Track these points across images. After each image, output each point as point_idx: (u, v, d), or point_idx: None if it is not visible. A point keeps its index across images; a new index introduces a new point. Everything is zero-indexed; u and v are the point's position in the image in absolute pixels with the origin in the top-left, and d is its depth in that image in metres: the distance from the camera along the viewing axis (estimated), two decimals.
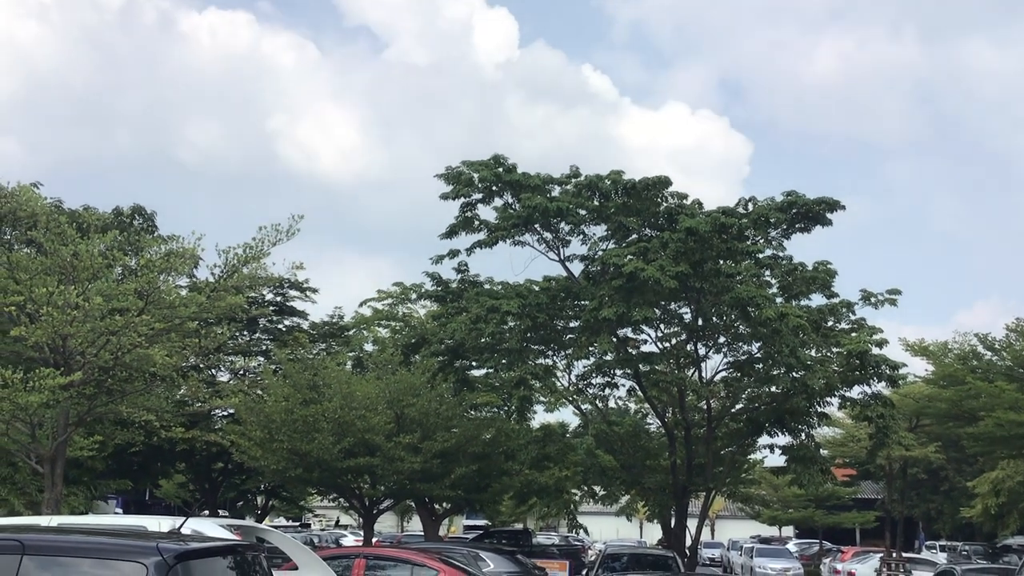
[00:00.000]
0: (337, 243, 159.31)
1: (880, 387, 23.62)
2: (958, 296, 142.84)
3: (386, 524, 63.94)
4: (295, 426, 24.09)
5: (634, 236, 23.38)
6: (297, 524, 56.24)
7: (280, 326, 33.26)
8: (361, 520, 29.45)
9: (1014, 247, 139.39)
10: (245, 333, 31.97)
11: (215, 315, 17.20)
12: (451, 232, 23.94)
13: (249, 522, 20.85)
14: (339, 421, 24.05)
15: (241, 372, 31.61)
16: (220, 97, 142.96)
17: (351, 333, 35.81)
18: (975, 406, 30.53)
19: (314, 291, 33.27)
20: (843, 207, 22.84)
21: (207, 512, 33.47)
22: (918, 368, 35.91)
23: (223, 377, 31.08)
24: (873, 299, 23.74)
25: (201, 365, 27.12)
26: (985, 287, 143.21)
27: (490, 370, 26.53)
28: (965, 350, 32.88)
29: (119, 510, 42.75)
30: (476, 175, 23.17)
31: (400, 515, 66.12)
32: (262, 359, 31.78)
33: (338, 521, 67.85)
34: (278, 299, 32.77)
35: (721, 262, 22.06)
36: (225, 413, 30.11)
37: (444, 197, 23.44)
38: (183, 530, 7.39)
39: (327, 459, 24.06)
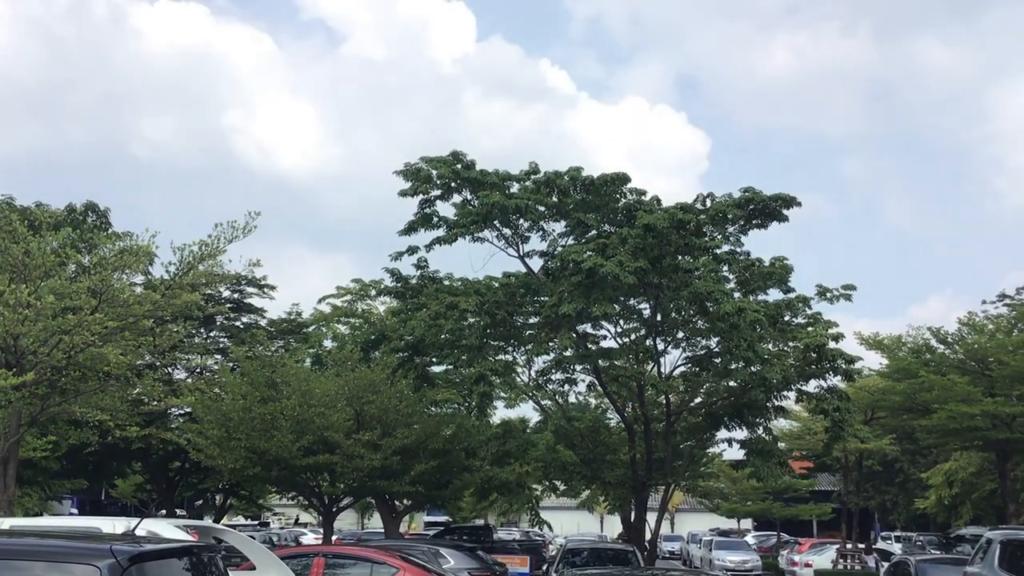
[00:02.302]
0: (295, 239, 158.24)
1: (836, 381, 23.89)
2: (912, 290, 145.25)
3: (346, 522, 63.67)
4: (253, 424, 23.93)
5: (593, 232, 23.45)
6: (256, 523, 55.79)
7: (238, 323, 33.01)
8: (320, 518, 29.31)
9: (967, 242, 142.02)
10: (202, 331, 31.69)
11: (170, 313, 17.04)
12: (410, 229, 23.87)
13: (206, 522, 20.67)
14: (298, 419, 23.93)
15: (198, 370, 31.34)
16: (174, 91, 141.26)
17: (310, 330, 35.62)
18: (928, 399, 30.98)
19: (272, 288, 33.09)
20: (799, 204, 23.06)
21: (164, 512, 33.13)
22: (873, 362, 36.37)
23: (180, 375, 30.80)
24: (828, 294, 24.01)
25: (157, 363, 26.84)
26: (939, 281, 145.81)
27: (450, 366, 26.49)
28: (918, 344, 33.36)
29: (74, 511, 42.16)
30: (435, 172, 23.12)
31: (360, 512, 65.90)
32: (219, 357, 31.54)
33: (297, 519, 67.46)
34: (235, 296, 32.53)
35: (679, 258, 22.18)
36: (182, 412, 29.83)
37: (403, 194, 23.37)
38: (138, 531, 7.30)
39: (286, 457, 23.93)
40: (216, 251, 14.68)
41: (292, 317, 35.35)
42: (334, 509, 28.07)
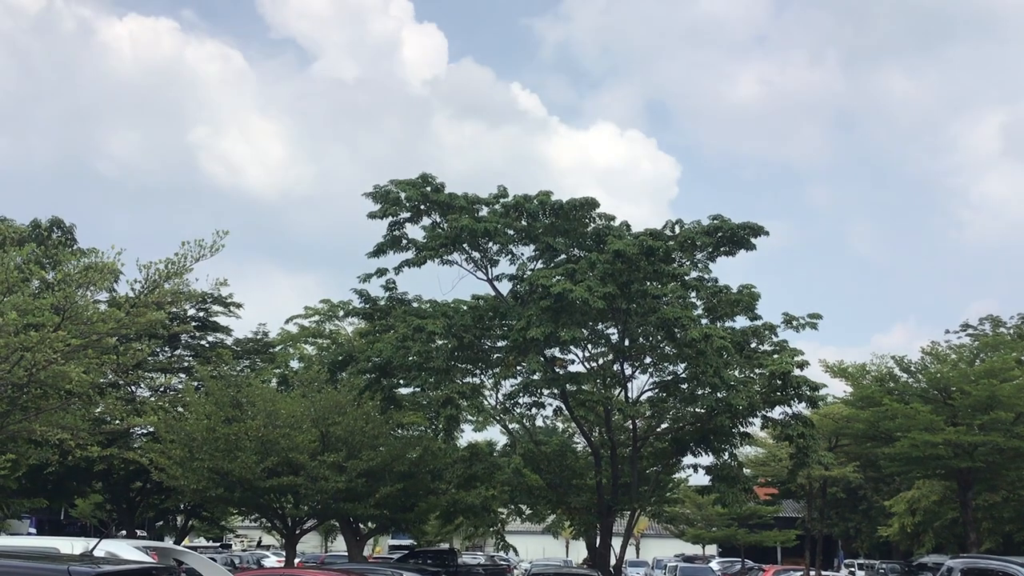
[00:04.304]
0: (263, 258, 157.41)
1: (801, 407, 24.07)
2: (876, 319, 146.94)
3: (310, 544, 63.03)
4: (217, 444, 23.69)
5: (562, 257, 23.55)
6: (218, 544, 55.09)
7: (203, 342, 32.74)
8: (283, 540, 29.00)
9: (930, 271, 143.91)
10: (166, 349, 31.40)
11: (135, 331, 16.85)
12: (379, 251, 23.86)
13: (167, 543, 20.39)
14: (262, 439, 23.72)
15: (162, 389, 31.02)
16: (141, 107, 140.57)
17: (276, 350, 35.38)
18: (891, 427, 31.29)
19: (238, 307, 32.85)
20: (767, 233, 23.30)
21: (124, 532, 32.69)
22: (837, 389, 36.81)
23: (143, 394, 30.46)
24: (795, 322, 24.23)
25: (120, 382, 26.56)
26: (903, 310, 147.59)
27: (417, 389, 26.40)
28: (882, 372, 33.74)
29: (32, 530, 41.51)
30: (403, 194, 23.16)
31: (324, 535, 65.25)
32: (184, 376, 31.23)
33: (260, 541, 66.75)
34: (201, 315, 32.27)
35: (648, 283, 22.31)
36: (144, 431, 29.46)
37: (372, 216, 23.38)
38: (96, 552, 7.21)
39: (249, 478, 23.68)
40: (182, 269, 14.56)
41: (259, 337, 35.11)
42: (297, 531, 27.80)
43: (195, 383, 28.90)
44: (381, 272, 24.29)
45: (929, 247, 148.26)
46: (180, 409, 27.31)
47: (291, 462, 24.02)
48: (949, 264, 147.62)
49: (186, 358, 32.00)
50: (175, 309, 25.47)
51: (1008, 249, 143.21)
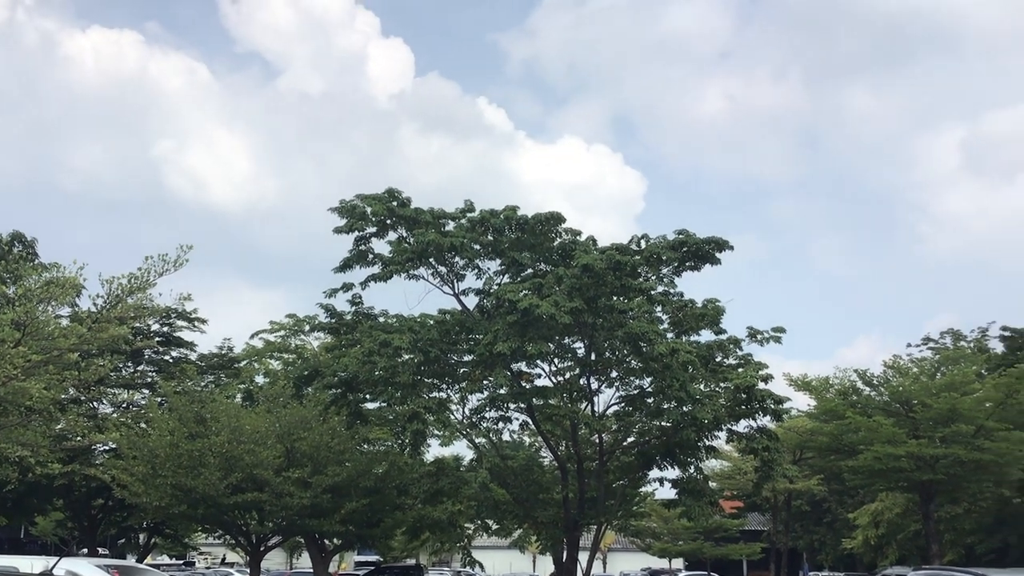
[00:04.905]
0: (228, 273, 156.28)
1: (765, 421, 24.20)
2: (840, 332, 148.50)
3: (274, 561, 62.42)
4: (180, 461, 23.49)
5: (529, 271, 23.60)
6: (181, 562, 54.44)
7: (167, 357, 32.46)
8: (248, 557, 28.74)
9: (893, 285, 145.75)
10: (129, 365, 31.09)
11: (97, 346, 16.67)
12: (345, 266, 23.78)
13: (129, 561, 20.15)
14: (226, 456, 23.56)
15: (124, 405, 30.68)
16: (104, 121, 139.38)
17: (241, 365, 35.13)
18: (854, 440, 31.57)
19: (203, 322, 32.63)
20: (731, 247, 23.47)
21: (86, 550, 32.25)
22: (801, 403, 37.06)
23: (106, 410, 30.12)
24: (759, 336, 24.39)
25: (82, 398, 26.25)
26: (866, 323, 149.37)
27: (384, 404, 26.28)
28: (845, 385, 34.06)
29: None
30: (369, 209, 23.11)
31: (289, 551, 64.68)
32: (147, 391, 30.93)
33: (224, 559, 66.01)
34: (165, 330, 32.02)
35: (615, 298, 22.39)
36: (107, 448, 29.13)
37: (338, 231, 23.30)
38: (57, 571, 7.13)
39: (213, 495, 23.49)
40: (145, 284, 14.44)
41: (223, 352, 34.86)
42: (262, 548, 27.59)
43: (158, 399, 28.65)
44: (347, 287, 24.20)
45: (892, 261, 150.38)
46: (143, 425, 27.04)
47: (255, 478, 23.85)
48: (911, 278, 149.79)
49: (149, 373, 31.71)
50: (138, 324, 25.23)
51: (968, 263, 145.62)
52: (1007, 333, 36.92)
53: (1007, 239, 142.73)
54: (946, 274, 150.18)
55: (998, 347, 37.12)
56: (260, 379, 34.32)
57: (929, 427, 30.99)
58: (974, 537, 39.55)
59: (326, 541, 29.66)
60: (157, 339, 30.91)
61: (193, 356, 33.17)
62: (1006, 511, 36.89)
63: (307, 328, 34.94)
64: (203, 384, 31.00)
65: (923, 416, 30.95)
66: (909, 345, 38.83)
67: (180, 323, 32.18)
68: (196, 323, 32.45)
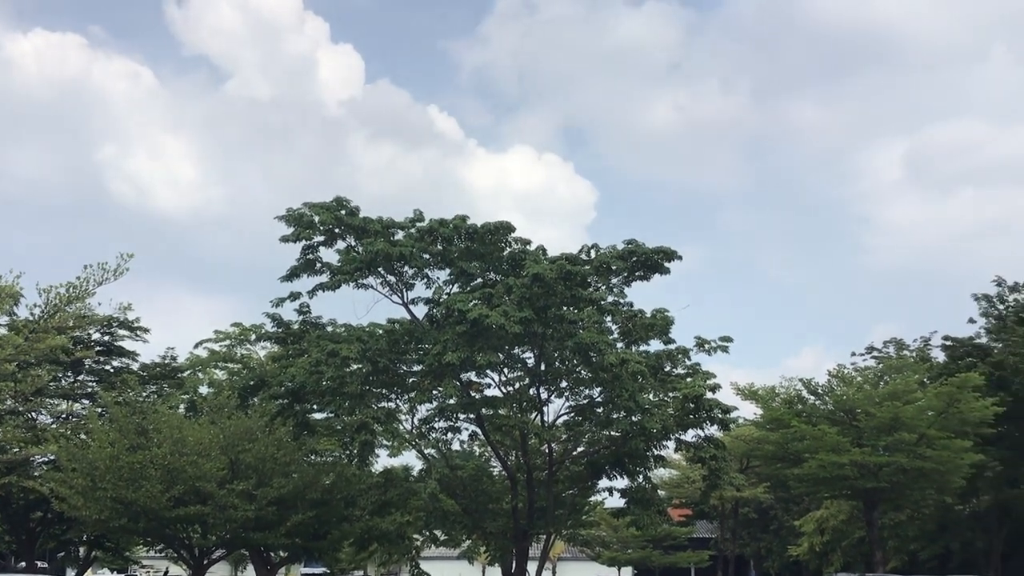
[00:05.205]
0: (173, 281, 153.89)
1: (713, 430, 24.38)
2: (787, 342, 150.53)
3: (219, 574, 61.46)
4: (121, 473, 23.02)
5: (479, 281, 23.51)
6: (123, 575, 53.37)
7: (107, 367, 31.84)
8: (190, 571, 28.21)
9: (839, 295, 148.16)
10: (69, 375, 30.40)
11: (35, 356, 16.27)
12: (292, 275, 23.48)
13: (69, 575, 19.64)
14: (168, 468, 23.14)
15: (64, 416, 30.02)
16: (46, 125, 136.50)
17: (185, 375, 34.52)
18: (800, 448, 31.92)
19: (146, 331, 32.05)
20: (680, 257, 23.62)
21: (24, 564, 31.51)
22: (748, 412, 37.38)
23: (44, 421, 29.45)
24: (707, 345, 24.54)
25: (19, 409, 25.61)
26: (812, 333, 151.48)
27: (331, 414, 26.01)
28: (791, 394, 34.46)
29: None
30: (317, 217, 22.85)
31: (233, 565, 63.64)
32: (87, 402, 30.31)
33: (166, 572, 64.81)
34: (106, 339, 31.39)
35: (564, 308, 22.39)
36: (45, 459, 28.48)
37: (284, 240, 23.02)
38: None
39: (155, 508, 23.06)
40: (85, 293, 14.12)
41: (166, 361, 34.24)
42: (205, 562, 27.10)
43: (99, 410, 28.07)
44: (294, 296, 23.91)
45: (838, 272, 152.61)
46: (83, 436, 26.50)
47: (198, 491, 23.44)
48: (856, 288, 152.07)
49: (90, 384, 31.06)
50: (78, 333, 24.72)
51: (911, 274, 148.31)
52: (948, 343, 37.57)
53: (949, 250, 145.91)
54: (890, 284, 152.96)
55: (940, 356, 37.77)
56: (204, 389, 33.75)
57: (873, 435, 31.45)
58: (917, 544, 40.22)
59: (271, 554, 29.22)
60: (97, 349, 30.31)
61: (135, 366, 32.56)
62: (948, 518, 37.59)
63: (253, 337, 34.41)
64: (145, 395, 30.37)
65: (867, 425, 31.41)
66: (854, 354, 39.35)
67: (121, 332, 31.57)
68: (138, 332, 31.87)
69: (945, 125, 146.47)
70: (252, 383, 26.08)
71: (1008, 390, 32.97)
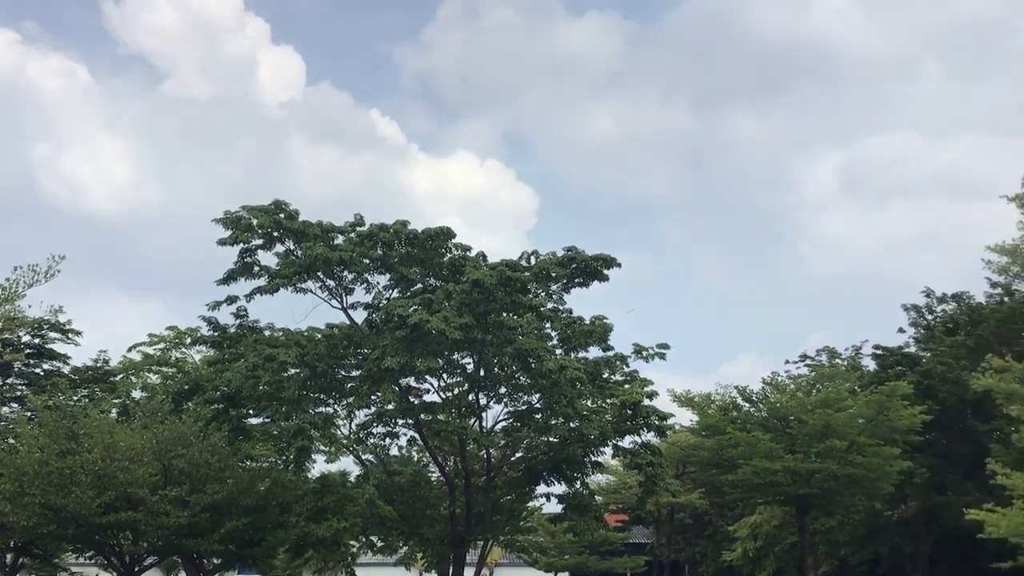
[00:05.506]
0: (106, 283, 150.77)
1: (650, 436, 24.68)
2: (723, 349, 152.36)
3: None
4: (50, 479, 22.56)
5: (419, 286, 23.50)
6: None
7: (37, 370, 31.22)
8: None
9: (774, 303, 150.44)
10: None
11: None
12: (229, 278, 23.21)
13: None
14: (99, 473, 22.73)
15: None
16: None
17: (118, 379, 33.91)
18: (734, 455, 32.38)
19: (77, 333, 31.49)
20: (619, 264, 23.88)
21: None
22: (684, 418, 37.87)
23: None
24: (644, 352, 24.82)
25: None
26: (748, 341, 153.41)
27: (268, 419, 25.75)
28: (726, 401, 34.93)
29: None
30: (256, 221, 22.63)
31: (165, 572, 62.54)
32: (16, 406, 29.65)
33: None
34: (36, 341, 30.74)
35: (504, 314, 22.48)
36: None
37: (222, 243, 22.73)
38: None
39: (85, 514, 22.63)
40: (14, 295, 13.83)
41: (99, 365, 33.64)
42: (136, 569, 26.61)
43: (28, 414, 27.46)
44: (232, 299, 23.64)
45: (774, 280, 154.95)
46: (11, 441, 25.92)
47: (130, 497, 23.05)
48: (791, 297, 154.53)
49: (19, 387, 30.47)
50: (7, 336, 24.16)
51: (844, 283, 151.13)
52: (879, 351, 38.43)
53: (882, 260, 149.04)
54: (823, 293, 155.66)
55: (871, 365, 38.62)
56: (137, 394, 33.19)
57: (805, 442, 32.02)
58: (847, 549, 41.00)
59: (205, 561, 28.81)
60: (27, 351, 29.68)
61: (66, 369, 31.97)
62: (878, 523, 38.40)
63: (188, 341, 33.94)
64: (76, 399, 29.81)
65: (799, 432, 31.95)
66: (787, 362, 40.07)
67: (52, 335, 30.99)
68: (70, 335, 31.31)
69: (879, 138, 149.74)
70: (187, 387, 25.74)
71: (935, 398, 33.82)
